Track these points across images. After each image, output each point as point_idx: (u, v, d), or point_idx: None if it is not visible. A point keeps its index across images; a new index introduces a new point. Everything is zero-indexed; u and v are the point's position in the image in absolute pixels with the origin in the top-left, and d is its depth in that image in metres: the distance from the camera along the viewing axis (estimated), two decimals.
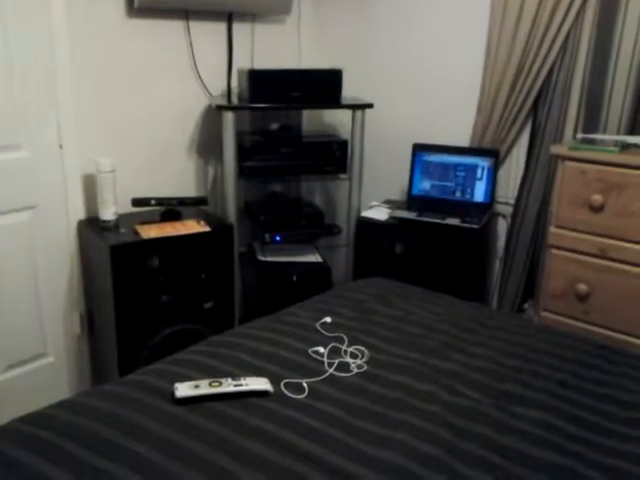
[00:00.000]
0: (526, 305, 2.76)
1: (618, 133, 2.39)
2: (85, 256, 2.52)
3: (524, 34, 2.54)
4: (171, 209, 2.58)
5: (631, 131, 2.38)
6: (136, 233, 2.38)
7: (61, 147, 2.39)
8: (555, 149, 2.27)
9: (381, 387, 1.53)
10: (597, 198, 2.16)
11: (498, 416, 1.43)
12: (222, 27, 2.88)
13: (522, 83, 2.60)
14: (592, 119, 2.47)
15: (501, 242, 2.88)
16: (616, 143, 2.21)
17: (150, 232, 2.38)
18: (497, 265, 2.91)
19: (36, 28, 2.23)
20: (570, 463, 1.28)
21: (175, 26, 2.70)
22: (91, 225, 2.47)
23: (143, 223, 2.47)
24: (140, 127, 2.68)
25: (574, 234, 2.25)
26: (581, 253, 2.25)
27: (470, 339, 1.80)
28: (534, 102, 2.64)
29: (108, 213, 2.47)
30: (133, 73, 2.61)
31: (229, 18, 2.87)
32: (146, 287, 2.36)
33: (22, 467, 1.21)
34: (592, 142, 2.25)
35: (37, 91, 2.28)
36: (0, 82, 2.16)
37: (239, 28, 2.94)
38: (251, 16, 2.98)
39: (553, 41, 2.49)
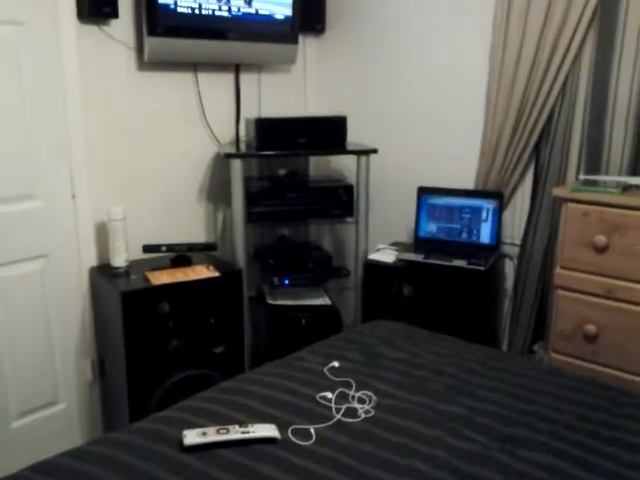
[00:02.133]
0: (536, 346, 2.75)
1: (620, 174, 2.42)
2: (97, 303, 2.56)
3: (523, 79, 2.60)
4: (181, 255, 2.62)
5: (633, 172, 2.41)
6: (146, 279, 2.42)
7: (74, 197, 2.46)
8: (557, 191, 2.30)
9: (388, 432, 1.53)
10: (601, 239, 2.18)
11: (504, 460, 1.42)
12: (230, 78, 2.97)
13: (523, 127, 2.65)
14: (594, 160, 2.50)
15: (509, 283, 2.89)
16: (618, 184, 2.24)
17: (161, 278, 2.42)
18: (506, 306, 2.92)
19: (49, 80, 2.32)
20: None
21: (184, 78, 2.80)
22: (103, 272, 2.52)
23: (154, 269, 2.52)
24: (151, 175, 2.75)
25: (580, 275, 2.27)
26: (588, 294, 2.26)
27: (476, 382, 1.80)
28: (536, 145, 2.69)
29: (119, 260, 2.52)
30: (144, 123, 2.69)
31: (236, 69, 2.97)
32: (156, 333, 2.39)
33: None
34: (594, 184, 2.28)
35: (51, 142, 2.36)
36: (15, 134, 2.24)
37: (246, 78, 3.03)
38: (258, 66, 3.08)
39: (552, 85, 2.55)
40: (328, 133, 2.79)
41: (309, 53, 3.33)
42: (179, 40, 2.59)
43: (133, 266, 2.55)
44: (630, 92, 2.36)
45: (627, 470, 1.40)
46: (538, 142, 2.69)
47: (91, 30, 2.44)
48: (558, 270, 2.32)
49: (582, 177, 2.44)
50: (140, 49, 2.59)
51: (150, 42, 2.52)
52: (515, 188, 2.81)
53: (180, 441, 1.46)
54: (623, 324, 2.18)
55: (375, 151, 2.85)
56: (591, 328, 2.26)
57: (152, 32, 2.51)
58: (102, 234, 2.56)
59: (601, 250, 2.20)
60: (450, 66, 2.91)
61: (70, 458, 1.43)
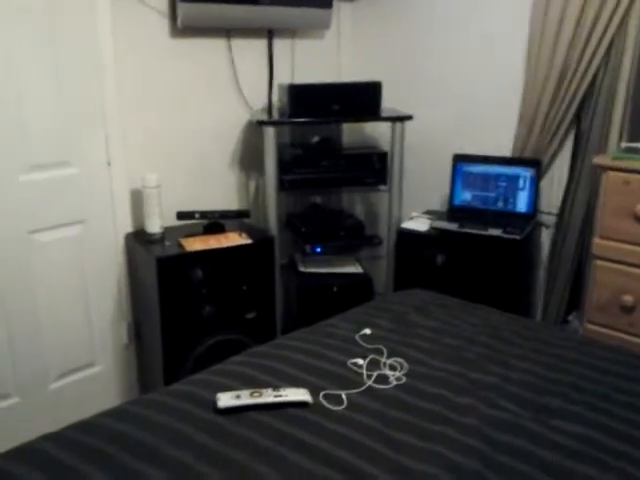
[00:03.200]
0: (571, 317, 2.72)
1: None
2: (132, 268, 2.61)
3: (566, 41, 2.51)
4: (214, 222, 2.64)
5: None
6: (180, 246, 2.44)
7: (109, 164, 2.48)
8: (598, 159, 2.24)
9: (419, 400, 1.54)
10: None
11: (537, 430, 1.41)
12: (263, 44, 2.94)
13: (564, 92, 2.57)
14: (637, 128, 2.42)
15: (545, 253, 2.84)
16: None
17: (194, 245, 2.45)
18: (541, 276, 2.87)
19: (84, 47, 2.32)
20: (613, 479, 1.26)
21: (217, 44, 2.78)
22: (138, 238, 2.55)
23: (187, 236, 2.54)
24: (184, 143, 2.76)
25: (619, 245, 2.22)
26: (626, 264, 2.21)
27: (509, 351, 1.78)
28: (577, 111, 2.61)
29: (154, 226, 2.55)
30: (177, 90, 2.69)
31: (269, 35, 2.93)
32: (190, 298, 2.42)
33: (69, 471, 1.27)
34: (636, 151, 2.21)
35: (85, 110, 2.37)
36: (50, 102, 2.26)
37: (279, 44, 3.00)
38: (291, 32, 3.04)
39: (597, 47, 2.45)
40: (362, 99, 2.75)
41: (343, 18, 3.27)
42: (212, 5, 2.56)
43: (167, 233, 2.58)
44: None
45: None
46: (579, 108, 2.60)
47: None
48: (597, 240, 2.27)
49: (624, 144, 2.36)
50: (173, 15, 2.57)
51: (183, 7, 2.50)
52: (554, 156, 2.74)
53: (214, 403, 1.48)
54: None
55: (410, 117, 2.80)
56: (628, 299, 2.21)
57: None
58: (137, 201, 2.59)
59: None
60: (490, 30, 2.83)
61: (107, 418, 1.47)
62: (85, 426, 1.44)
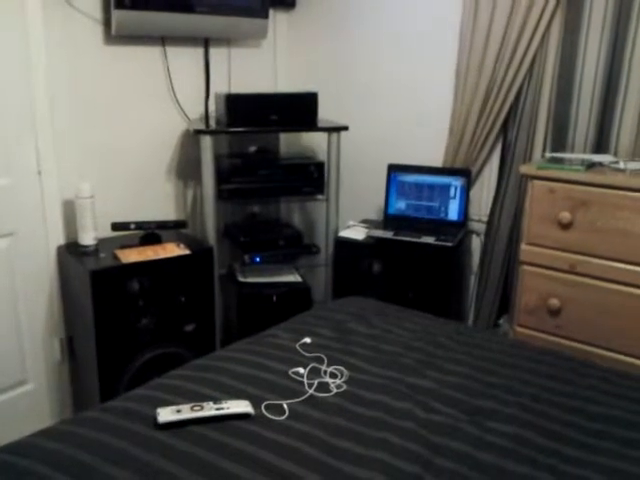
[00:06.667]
0: (501, 320, 2.82)
1: (585, 152, 2.48)
2: (65, 281, 2.53)
3: (492, 59, 2.62)
4: (151, 233, 2.60)
5: (597, 150, 2.47)
6: (116, 258, 2.39)
7: (40, 173, 2.41)
8: (524, 169, 2.35)
9: (360, 406, 1.56)
10: (565, 215, 2.23)
11: (473, 432, 1.47)
12: (199, 52, 2.93)
13: (491, 106, 2.68)
14: (560, 138, 2.55)
15: (475, 259, 2.95)
16: (582, 162, 2.29)
17: (130, 256, 2.40)
18: (472, 282, 2.97)
19: (13, 54, 2.25)
20: (544, 476, 1.32)
21: (152, 52, 2.75)
22: (71, 250, 2.48)
23: (123, 247, 2.49)
24: (119, 151, 2.71)
25: (545, 250, 2.32)
26: (552, 269, 2.32)
27: (445, 356, 1.84)
28: (503, 123, 2.72)
29: (88, 238, 2.49)
30: (111, 98, 2.64)
31: (205, 43, 2.92)
32: (126, 311, 2.37)
33: None
34: (560, 161, 2.33)
35: (15, 117, 2.30)
36: None
37: (216, 53, 2.99)
38: (227, 41, 3.04)
39: (520, 65, 2.58)
40: (299, 109, 2.78)
41: (279, 28, 3.29)
42: (147, 13, 2.53)
43: (102, 244, 2.52)
44: (595, 72, 2.40)
45: (589, 438, 1.45)
46: (505, 120, 2.72)
47: (57, 2, 2.37)
48: (524, 246, 2.38)
49: (548, 155, 2.49)
50: (107, 22, 2.53)
51: (117, 15, 2.46)
52: (483, 165, 2.85)
53: (154, 419, 1.46)
54: (585, 298, 2.25)
55: (346, 128, 2.85)
56: (555, 302, 2.32)
57: (119, 5, 2.45)
58: (70, 212, 2.52)
59: (566, 226, 2.25)
60: (420, 44, 2.92)
61: (41, 438, 1.43)
62: (17, 447, 1.39)
